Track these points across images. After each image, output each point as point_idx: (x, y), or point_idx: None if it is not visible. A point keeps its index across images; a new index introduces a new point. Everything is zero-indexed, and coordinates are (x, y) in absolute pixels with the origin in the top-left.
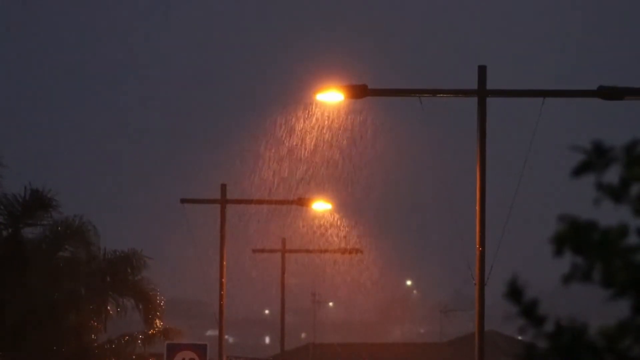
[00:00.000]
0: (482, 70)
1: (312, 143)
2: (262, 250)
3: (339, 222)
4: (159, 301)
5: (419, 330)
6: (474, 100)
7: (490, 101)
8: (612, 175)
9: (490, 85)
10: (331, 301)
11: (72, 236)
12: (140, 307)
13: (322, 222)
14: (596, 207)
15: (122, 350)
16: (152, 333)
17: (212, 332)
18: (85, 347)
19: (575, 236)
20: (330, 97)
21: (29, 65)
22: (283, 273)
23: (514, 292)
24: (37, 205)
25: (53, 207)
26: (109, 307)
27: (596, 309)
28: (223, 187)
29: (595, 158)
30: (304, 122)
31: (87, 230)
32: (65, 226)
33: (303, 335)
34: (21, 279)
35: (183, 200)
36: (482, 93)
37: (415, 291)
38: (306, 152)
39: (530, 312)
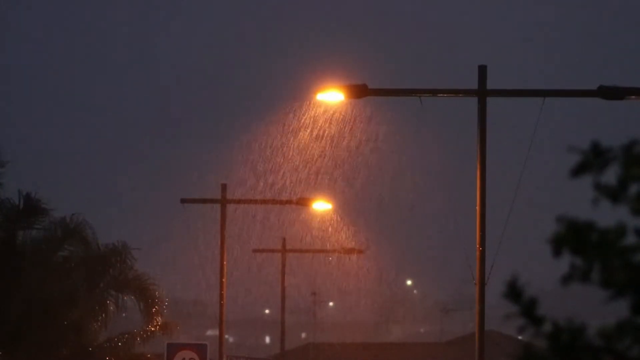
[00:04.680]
0: (482, 70)
1: (312, 143)
2: (262, 250)
3: (339, 222)
4: (159, 295)
5: (419, 330)
6: (474, 100)
7: (490, 101)
8: (610, 175)
9: (490, 85)
10: (331, 301)
11: (70, 236)
12: (141, 303)
13: (322, 222)
14: (594, 207)
15: (122, 349)
16: (151, 329)
17: (212, 332)
18: (85, 345)
19: (573, 237)
20: (331, 96)
21: (30, 63)
22: (283, 273)
23: (514, 292)
24: (30, 211)
25: (46, 213)
26: (108, 303)
27: (596, 308)
28: (223, 187)
29: (593, 158)
30: (305, 121)
31: (84, 229)
32: (62, 226)
33: (303, 335)
34: (19, 279)
35: (183, 200)
36: (482, 93)
37: (415, 291)
38: (306, 152)
39: (529, 312)
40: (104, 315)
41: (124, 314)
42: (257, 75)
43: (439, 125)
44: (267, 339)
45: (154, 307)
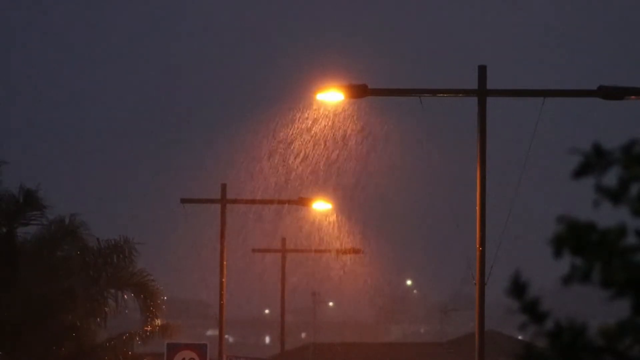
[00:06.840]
0: (482, 70)
1: (312, 143)
2: (262, 250)
3: (339, 222)
4: (158, 292)
5: (419, 330)
6: (474, 100)
7: (490, 101)
8: (611, 177)
9: (490, 85)
10: (331, 301)
11: (67, 236)
12: (139, 299)
13: (322, 222)
14: (596, 209)
15: (122, 349)
16: (152, 330)
17: (212, 332)
18: (85, 345)
19: (574, 237)
20: (331, 96)
21: (31, 63)
22: (283, 273)
23: (517, 288)
24: (30, 206)
25: (45, 207)
26: (108, 302)
27: (597, 308)
28: (223, 187)
29: (595, 160)
30: (304, 121)
31: (80, 230)
32: (59, 226)
33: (303, 335)
34: (17, 278)
35: (183, 200)
36: (482, 93)
37: (415, 291)
38: (306, 152)
39: (531, 308)
40: (106, 309)
41: (126, 311)
42: (257, 75)
43: (439, 125)
44: (267, 339)
45: (153, 303)
